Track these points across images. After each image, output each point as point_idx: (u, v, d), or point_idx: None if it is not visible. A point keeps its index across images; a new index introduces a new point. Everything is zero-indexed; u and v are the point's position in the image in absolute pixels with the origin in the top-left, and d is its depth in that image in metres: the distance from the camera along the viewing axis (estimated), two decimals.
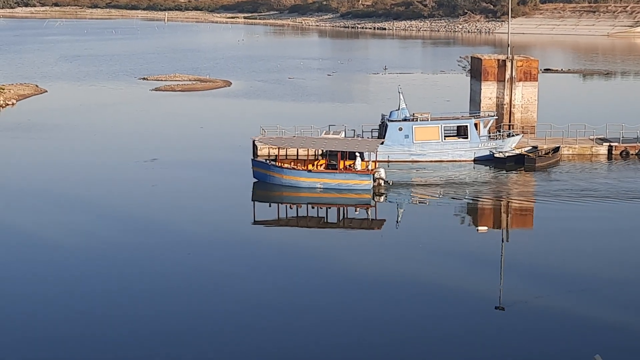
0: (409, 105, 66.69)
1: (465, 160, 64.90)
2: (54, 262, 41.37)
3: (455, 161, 64.74)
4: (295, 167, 56.91)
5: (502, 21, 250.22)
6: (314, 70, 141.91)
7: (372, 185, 55.44)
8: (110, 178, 59.59)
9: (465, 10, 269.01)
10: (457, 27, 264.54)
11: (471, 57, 79.82)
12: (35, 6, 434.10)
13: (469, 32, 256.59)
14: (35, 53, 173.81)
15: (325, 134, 60.84)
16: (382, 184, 56.05)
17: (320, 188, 55.23)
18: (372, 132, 67.44)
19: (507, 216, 52.00)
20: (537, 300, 36.22)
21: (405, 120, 65.04)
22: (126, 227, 47.35)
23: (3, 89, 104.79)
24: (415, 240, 45.17)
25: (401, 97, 65.42)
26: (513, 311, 35.22)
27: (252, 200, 54.82)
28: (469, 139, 65.22)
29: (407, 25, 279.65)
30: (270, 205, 53.59)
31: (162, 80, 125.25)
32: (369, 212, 52.17)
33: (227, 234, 46.40)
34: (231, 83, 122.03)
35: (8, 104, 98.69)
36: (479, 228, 48.00)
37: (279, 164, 56.97)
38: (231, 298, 36.67)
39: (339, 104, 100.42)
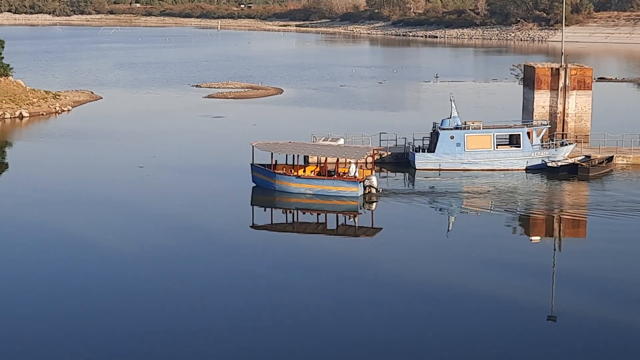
0: (461, 114, 66.37)
1: (517, 169, 64.41)
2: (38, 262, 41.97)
3: (507, 170, 64.27)
4: (287, 172, 57.10)
5: (556, 29, 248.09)
6: (365, 79, 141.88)
7: (360, 193, 55.18)
8: (145, 181, 60.49)
9: (518, 19, 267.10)
10: (510, 35, 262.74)
11: (524, 65, 79.25)
12: (90, 14, 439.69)
13: (521, 40, 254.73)
14: (91, 60, 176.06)
15: (323, 140, 60.61)
16: (374, 192, 55.72)
17: (309, 194, 55.42)
18: (423, 140, 67.19)
19: (560, 226, 51.47)
20: (590, 311, 35.79)
21: (457, 128, 64.73)
22: (161, 229, 47.78)
23: (59, 96, 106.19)
24: (467, 249, 44.87)
25: (453, 105, 65.13)
26: (565, 321, 34.84)
27: (250, 205, 55.40)
28: (521, 148, 64.71)
29: (459, 34, 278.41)
30: (265, 210, 54.47)
31: (215, 87, 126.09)
32: (372, 217, 52.22)
33: (224, 236, 47.59)
34: (283, 90, 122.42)
35: (64, 110, 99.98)
36: (532, 238, 47.62)
37: (272, 169, 57.48)
38: (229, 301, 36.97)
39: (390, 112, 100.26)
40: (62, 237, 46.86)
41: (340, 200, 54.76)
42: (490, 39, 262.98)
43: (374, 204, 54.82)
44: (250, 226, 50.40)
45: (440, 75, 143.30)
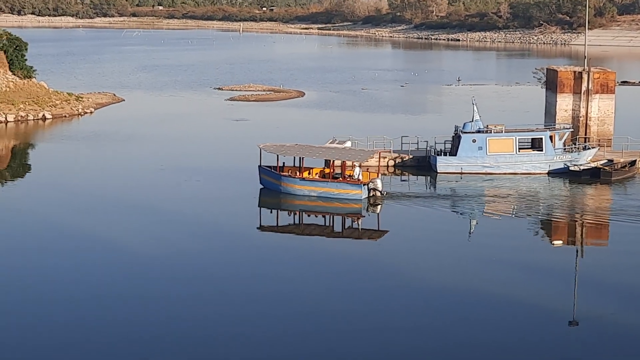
0: (483, 117, 66.23)
1: (540, 173, 64.19)
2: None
3: (529, 174, 64.07)
4: (292, 174, 57.26)
5: (579, 33, 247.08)
6: (387, 82, 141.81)
7: (363, 196, 55.16)
8: (160, 183, 60.73)
9: (541, 22, 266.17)
10: (532, 38, 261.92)
11: (547, 68, 78.99)
12: (113, 16, 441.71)
13: (544, 43, 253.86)
14: (113, 63, 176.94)
15: (330, 143, 60.66)
16: (378, 195, 55.71)
17: (313, 196, 55.60)
18: (445, 143, 67.06)
19: (582, 231, 51.22)
20: (612, 316, 35.60)
21: (479, 132, 64.60)
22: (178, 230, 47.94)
23: (82, 98, 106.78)
24: (487, 253, 44.75)
25: (475, 108, 65.00)
26: (587, 326, 34.67)
27: (258, 206, 55.75)
28: (543, 152, 64.49)
29: (482, 37, 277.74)
30: (271, 212, 54.86)
31: (236, 90, 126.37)
32: (379, 220, 52.04)
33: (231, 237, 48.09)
34: (304, 93, 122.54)
35: (86, 112, 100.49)
36: (554, 242, 47.44)
37: (278, 171, 57.76)
38: (236, 301, 37.08)
39: (412, 115, 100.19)
40: (69, 234, 47.64)
41: (343, 202, 54.87)
42: (513, 42, 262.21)
43: (379, 206, 54.87)
44: (258, 228, 50.60)
45: (463, 78, 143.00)
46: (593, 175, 63.22)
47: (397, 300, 37.61)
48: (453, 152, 65.18)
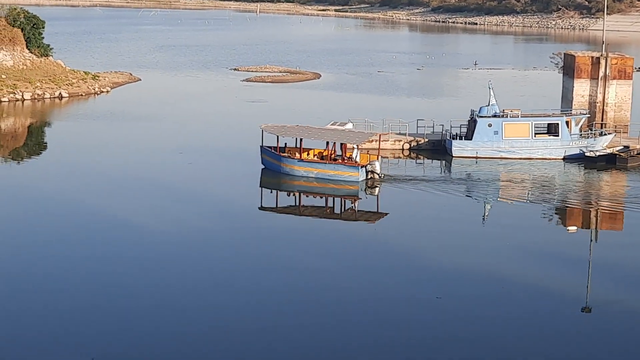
0: (499, 102, 66.02)
1: (555, 159, 63.97)
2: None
3: (544, 159, 63.87)
4: (291, 155, 57.65)
5: (597, 18, 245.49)
6: (404, 65, 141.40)
7: (360, 178, 55.37)
8: (171, 163, 60.96)
9: (559, 6, 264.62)
10: (550, 23, 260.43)
11: (564, 53, 78.61)
12: None
13: (562, 28, 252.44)
14: (130, 42, 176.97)
15: (331, 125, 60.69)
16: (376, 177, 55.93)
17: (311, 177, 56.02)
18: (460, 127, 66.90)
19: (597, 217, 51.04)
20: (626, 303, 35.50)
21: (495, 116, 64.41)
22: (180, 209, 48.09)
23: (98, 77, 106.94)
24: (501, 238, 44.67)
25: (491, 92, 64.79)
26: (600, 313, 34.59)
27: (259, 186, 56.23)
28: (559, 137, 64.25)
29: (499, 21, 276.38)
30: (271, 192, 55.25)
31: (253, 71, 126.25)
32: (378, 202, 52.02)
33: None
34: (320, 75, 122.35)
35: (103, 91, 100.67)
36: (568, 228, 47.29)
37: (278, 152, 58.08)
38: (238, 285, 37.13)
39: (428, 98, 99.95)
40: (78, 212, 48.07)
41: (339, 184, 55.10)
42: (531, 26, 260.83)
43: (377, 188, 55.03)
44: (259, 208, 50.97)
45: (479, 62, 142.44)
46: (609, 162, 62.98)
47: (397, 281, 37.66)
48: (469, 136, 65.03)
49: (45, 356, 30.06)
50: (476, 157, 63.78)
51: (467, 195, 54.39)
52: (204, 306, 34.38)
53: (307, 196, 53.86)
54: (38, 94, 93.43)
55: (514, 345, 31.69)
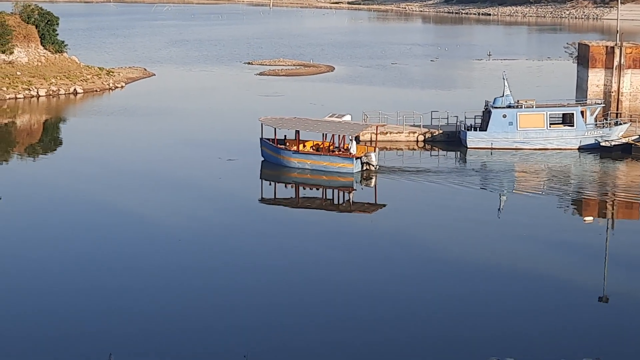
0: (514, 92, 65.76)
1: (570, 149, 63.69)
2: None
3: (559, 149, 63.60)
4: (288, 147, 58.09)
5: (611, 7, 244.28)
6: (417, 56, 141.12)
7: (355, 169, 55.65)
8: (180, 156, 61.14)
9: None
10: (564, 12, 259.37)
11: (578, 43, 78.20)
12: None
13: (576, 18, 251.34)
14: (144, 37, 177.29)
15: (329, 117, 60.73)
16: (372, 169, 56.17)
17: (307, 169, 56.41)
18: (475, 119, 66.70)
19: (613, 207, 50.77)
20: None
21: (509, 107, 64.17)
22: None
23: (113, 72, 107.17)
24: (516, 229, 44.47)
25: (506, 83, 64.56)
26: (617, 303, 34.40)
27: (260, 178, 56.71)
28: (574, 127, 63.96)
29: (513, 11, 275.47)
30: (270, 184, 55.64)
31: (266, 64, 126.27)
32: (376, 194, 51.65)
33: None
34: (334, 68, 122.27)
35: (117, 87, 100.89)
36: (584, 219, 47.06)
37: (275, 144, 58.51)
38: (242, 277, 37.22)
39: (442, 90, 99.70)
40: (89, 205, 48.48)
41: (333, 175, 55.37)
42: (544, 16, 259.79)
43: (372, 180, 55.17)
44: (259, 200, 51.26)
45: (493, 53, 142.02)
46: (624, 151, 62.67)
47: (402, 275, 37.56)
48: (483, 127, 64.85)
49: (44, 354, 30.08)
50: (491, 149, 63.59)
51: (481, 187, 54.17)
52: (206, 300, 34.38)
53: (304, 188, 54.14)
54: (53, 90, 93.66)
55: (531, 336, 31.53)
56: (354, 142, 56.91)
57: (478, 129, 65.19)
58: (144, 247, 41.35)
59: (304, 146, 58.92)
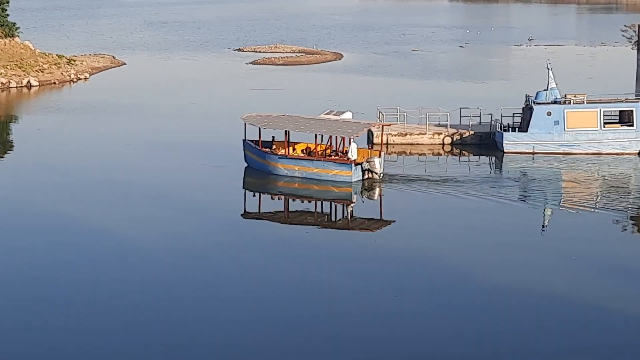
0: (560, 85, 65.56)
1: (629, 154, 63.48)
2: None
3: (616, 154, 63.36)
4: (275, 151, 57.94)
5: None
6: (443, 42, 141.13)
7: (354, 178, 55.12)
8: (152, 162, 61.23)
9: None
10: None
11: (638, 26, 78.00)
12: None
13: None
14: (114, 19, 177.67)
15: (325, 114, 60.41)
16: (375, 177, 55.60)
17: (297, 177, 56.27)
18: (513, 117, 66.47)
19: None
20: None
21: (555, 102, 63.98)
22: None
23: (75, 61, 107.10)
24: (562, 253, 44.06)
25: (550, 74, 64.37)
26: None
27: (243, 188, 56.76)
28: (634, 127, 63.75)
29: None
30: (254, 195, 55.84)
31: (260, 51, 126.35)
32: (381, 208, 51.48)
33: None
34: (343, 56, 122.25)
35: (80, 79, 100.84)
36: None
37: (260, 147, 58.31)
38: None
39: (474, 82, 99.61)
40: (50, 220, 48.64)
41: (329, 185, 55.14)
42: None
43: (376, 191, 54.81)
44: (242, 215, 50.91)
45: (535, 37, 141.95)
46: None
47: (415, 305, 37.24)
48: (523, 127, 64.63)
49: None
50: (532, 153, 63.36)
51: (520, 201, 53.72)
52: (169, 338, 34.16)
53: (293, 200, 54.07)
54: (2, 83, 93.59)
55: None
56: (354, 145, 56.44)
57: (517, 129, 64.94)
58: (98, 273, 40.86)
59: (294, 149, 58.67)
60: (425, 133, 66.79)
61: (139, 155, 64.41)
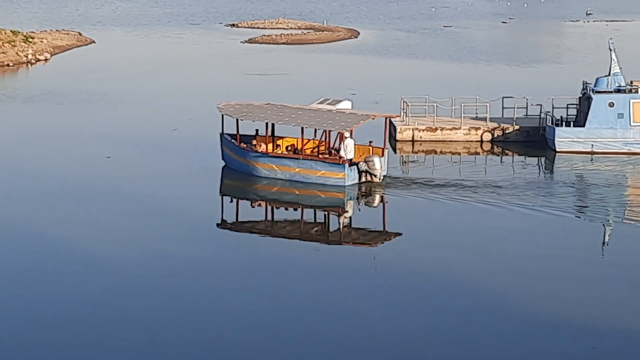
0: (626, 70, 65.42)
1: None
2: None
3: None
4: (255, 147, 58.02)
5: None
6: (482, 16, 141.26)
7: (348, 180, 55.07)
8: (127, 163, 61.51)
9: None
10: None
11: None
12: None
13: None
14: None
15: (318, 103, 60.19)
16: (375, 180, 55.40)
17: (281, 179, 56.55)
18: (567, 108, 66.28)
19: None
20: None
21: (618, 91, 63.80)
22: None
23: (32, 39, 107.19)
24: (627, 279, 43.74)
25: (613, 56, 64.19)
26: None
27: (219, 194, 57.06)
28: None
29: None
30: (231, 201, 56.07)
31: (258, 27, 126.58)
32: (385, 217, 51.05)
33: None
34: (359, 33, 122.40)
35: (40, 60, 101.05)
36: None
37: (238, 142, 58.47)
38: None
39: (519, 66, 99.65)
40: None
41: (316, 190, 55.30)
42: None
43: (376, 197, 54.62)
44: (218, 224, 50.82)
45: (595, 11, 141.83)
46: None
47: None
48: (580, 121, 64.50)
49: None
50: (591, 153, 63.23)
51: (577, 212, 53.38)
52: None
53: (277, 207, 54.24)
54: None
55: None
56: (350, 142, 56.07)
57: (572, 123, 64.82)
58: (50, 294, 40.83)
59: (277, 146, 58.92)
60: (460, 128, 66.59)
61: (104, 152, 64.30)
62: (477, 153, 64.94)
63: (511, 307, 39.34)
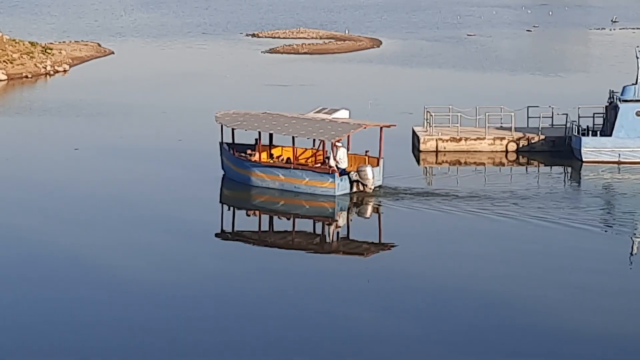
0: None
1: None
2: None
3: None
4: (249, 156, 58.39)
5: None
6: (507, 24, 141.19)
7: (339, 190, 55.03)
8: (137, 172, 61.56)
9: None
10: None
11: None
12: None
13: None
14: None
15: (315, 112, 60.21)
16: (367, 190, 55.21)
17: (275, 189, 56.76)
18: (594, 117, 66.00)
19: None
20: None
21: None
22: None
23: (51, 50, 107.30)
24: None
25: None
26: None
27: (220, 202, 57.67)
28: None
29: None
30: (229, 209, 56.54)
31: (279, 37, 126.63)
32: (380, 227, 51.20)
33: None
34: (381, 42, 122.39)
35: (58, 71, 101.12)
36: None
37: (233, 152, 58.90)
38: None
39: (544, 75, 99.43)
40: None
41: (305, 200, 55.49)
42: None
43: (367, 208, 54.61)
44: (217, 234, 50.94)
45: (620, 18, 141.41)
46: None
47: None
48: (607, 130, 64.20)
49: None
50: (618, 163, 62.97)
51: (604, 226, 52.96)
52: None
53: (271, 217, 54.44)
54: None
55: None
56: (342, 150, 56.21)
57: (599, 133, 64.54)
58: (44, 302, 40.93)
59: (273, 155, 59.23)
60: (485, 138, 66.36)
61: (119, 164, 64.34)
62: (502, 163, 64.70)
63: (513, 318, 39.22)
